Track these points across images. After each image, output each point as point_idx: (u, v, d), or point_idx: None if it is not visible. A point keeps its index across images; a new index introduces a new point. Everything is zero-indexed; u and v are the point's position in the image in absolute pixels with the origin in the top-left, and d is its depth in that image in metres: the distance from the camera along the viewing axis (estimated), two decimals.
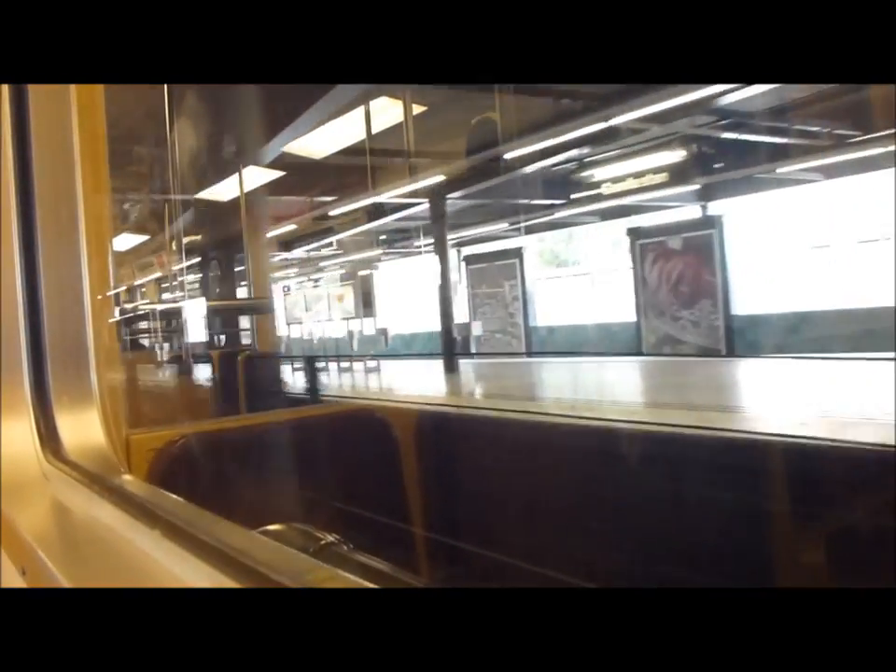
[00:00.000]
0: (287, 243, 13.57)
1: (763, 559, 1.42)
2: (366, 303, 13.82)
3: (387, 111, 7.95)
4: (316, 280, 17.00)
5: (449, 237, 13.61)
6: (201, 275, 11.98)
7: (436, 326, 12.22)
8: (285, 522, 1.01)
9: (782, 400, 6.55)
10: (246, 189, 7.79)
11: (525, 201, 12.52)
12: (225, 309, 8.06)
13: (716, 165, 10.31)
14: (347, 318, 14.05)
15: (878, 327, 7.00)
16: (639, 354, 12.83)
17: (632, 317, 13.23)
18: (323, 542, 0.91)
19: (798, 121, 8.61)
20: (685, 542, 1.50)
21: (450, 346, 12.00)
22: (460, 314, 12.28)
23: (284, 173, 9.14)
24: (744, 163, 9.81)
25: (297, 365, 6.42)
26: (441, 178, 9.71)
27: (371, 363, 12.89)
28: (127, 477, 1.33)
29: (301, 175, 10.05)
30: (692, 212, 12.35)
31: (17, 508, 1.22)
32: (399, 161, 9.15)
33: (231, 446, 2.13)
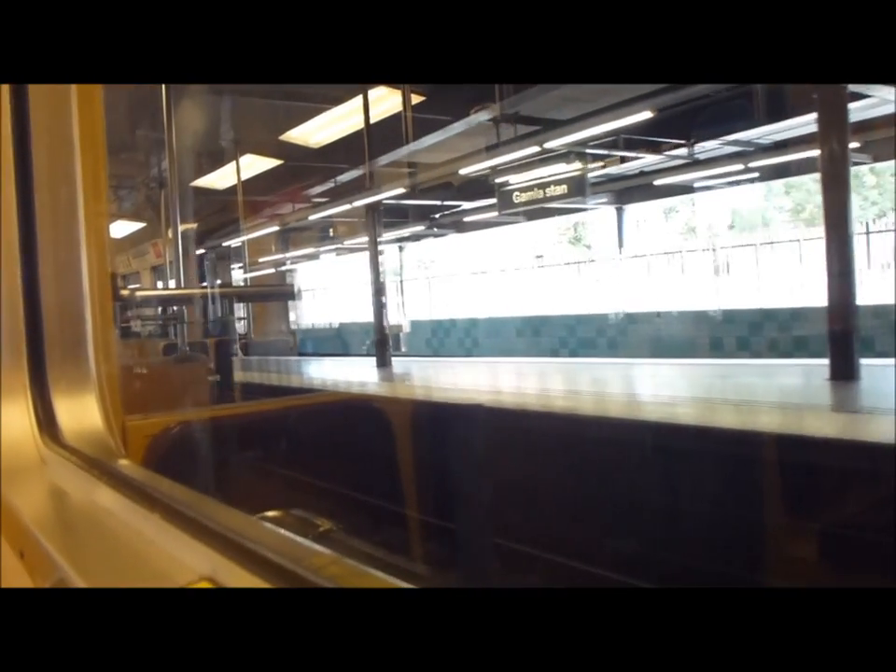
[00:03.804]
0: None
1: None
2: None
3: None
4: None
5: None
6: None
7: None
8: (282, 508, 1.01)
9: None
10: None
11: None
12: None
13: None
14: None
15: None
16: None
17: None
18: (322, 529, 0.92)
19: None
20: None
21: None
22: None
23: None
24: None
25: None
26: None
27: None
28: (125, 462, 1.33)
29: None
30: None
31: (15, 492, 1.22)
32: None
33: (227, 433, 2.14)
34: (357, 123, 8.94)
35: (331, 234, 14.57)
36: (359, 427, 2.30)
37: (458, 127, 7.75)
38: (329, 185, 10.80)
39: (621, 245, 13.12)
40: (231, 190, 11.52)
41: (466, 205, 11.88)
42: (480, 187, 10.29)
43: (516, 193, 9.07)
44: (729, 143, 8.43)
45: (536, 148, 7.36)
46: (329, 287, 18.66)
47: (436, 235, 14.60)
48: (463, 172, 8.45)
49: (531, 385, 7.48)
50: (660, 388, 6.40)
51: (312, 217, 11.28)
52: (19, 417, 1.42)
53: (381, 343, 10.19)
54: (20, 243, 1.46)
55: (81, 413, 1.45)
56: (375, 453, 2.31)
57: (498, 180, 9.11)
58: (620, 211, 12.90)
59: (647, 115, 6.42)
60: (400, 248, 14.88)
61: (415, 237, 14.65)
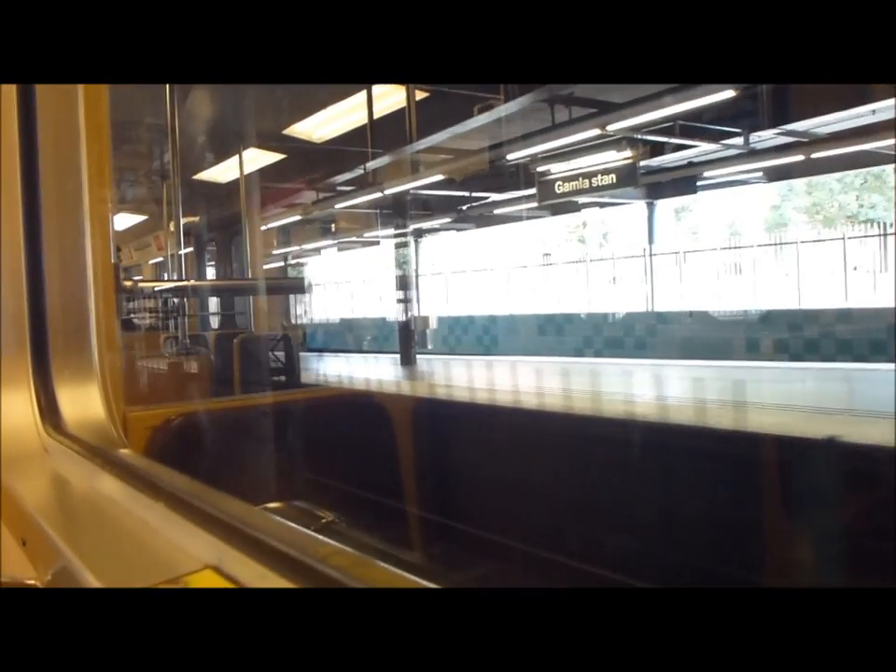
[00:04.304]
0: None
1: None
2: None
3: None
4: None
5: None
6: None
7: None
8: (285, 500, 1.02)
9: None
10: None
11: None
12: None
13: None
14: None
15: None
16: None
17: None
18: (324, 521, 0.92)
19: None
20: None
21: None
22: None
23: None
24: None
25: None
26: None
27: None
28: (127, 451, 1.34)
29: None
30: None
31: (17, 480, 1.23)
32: None
33: (227, 426, 2.14)
34: (382, 108, 8.36)
35: (332, 230, 14.32)
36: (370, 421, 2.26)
37: (510, 108, 6.91)
38: (339, 176, 10.30)
39: (651, 242, 12.36)
40: (235, 183, 11.35)
41: (494, 197, 10.97)
42: (512, 177, 9.52)
43: (559, 183, 8.23)
44: (785, 133, 7.72)
45: (595, 131, 6.66)
46: (334, 282, 18.40)
47: (458, 229, 13.81)
48: (510, 157, 7.73)
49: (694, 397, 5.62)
50: (770, 397, 5.44)
51: (336, 207, 10.49)
52: (21, 406, 1.43)
53: (405, 339, 9.42)
54: (24, 232, 1.46)
55: (83, 402, 1.45)
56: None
57: (539, 169, 8.27)
58: (651, 206, 12.12)
59: (729, 94, 5.70)
60: (416, 242, 14.62)
61: (434, 231, 13.93)
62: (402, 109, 8.19)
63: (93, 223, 1.49)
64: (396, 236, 10.14)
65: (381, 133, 8.59)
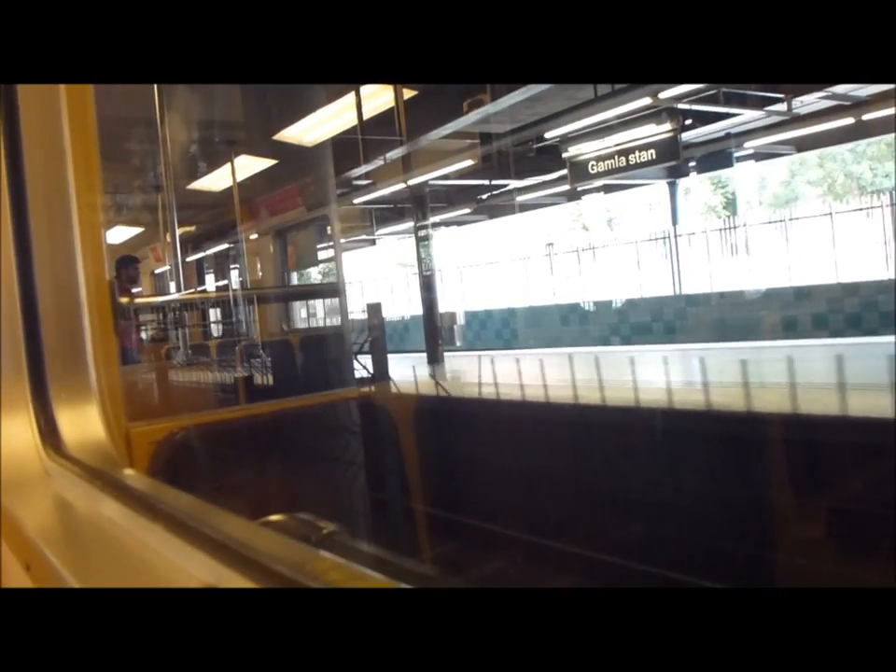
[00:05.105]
0: None
1: None
2: None
3: None
4: None
5: None
6: None
7: None
8: (286, 512, 1.01)
9: None
10: None
11: None
12: None
13: None
14: None
15: None
16: None
17: None
18: (325, 531, 0.92)
19: None
20: None
21: None
22: None
23: None
24: None
25: None
26: None
27: None
28: (129, 471, 1.33)
29: None
30: None
31: (19, 504, 1.22)
32: None
33: (231, 436, 2.14)
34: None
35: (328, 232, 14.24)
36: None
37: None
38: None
39: (675, 223, 11.64)
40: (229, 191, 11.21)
41: (515, 184, 10.24)
42: (534, 161, 9.07)
43: (592, 163, 7.88)
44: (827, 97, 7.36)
45: (646, 101, 6.29)
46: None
47: (462, 223, 13.19)
48: (549, 135, 7.27)
49: None
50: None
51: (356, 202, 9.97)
52: (21, 429, 1.43)
53: (432, 336, 9.15)
54: (15, 252, 1.45)
55: (83, 422, 1.45)
56: None
57: (570, 150, 7.93)
58: (672, 186, 11.32)
59: None
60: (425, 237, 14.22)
61: (444, 224, 13.14)
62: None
63: (84, 235, 1.47)
64: (419, 230, 9.70)
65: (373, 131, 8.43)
